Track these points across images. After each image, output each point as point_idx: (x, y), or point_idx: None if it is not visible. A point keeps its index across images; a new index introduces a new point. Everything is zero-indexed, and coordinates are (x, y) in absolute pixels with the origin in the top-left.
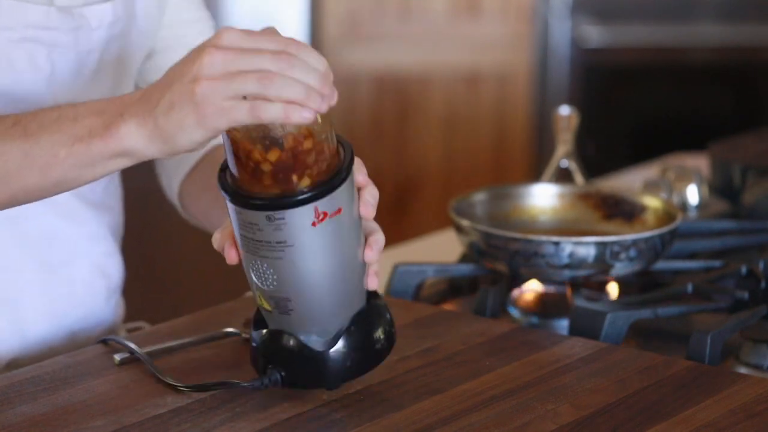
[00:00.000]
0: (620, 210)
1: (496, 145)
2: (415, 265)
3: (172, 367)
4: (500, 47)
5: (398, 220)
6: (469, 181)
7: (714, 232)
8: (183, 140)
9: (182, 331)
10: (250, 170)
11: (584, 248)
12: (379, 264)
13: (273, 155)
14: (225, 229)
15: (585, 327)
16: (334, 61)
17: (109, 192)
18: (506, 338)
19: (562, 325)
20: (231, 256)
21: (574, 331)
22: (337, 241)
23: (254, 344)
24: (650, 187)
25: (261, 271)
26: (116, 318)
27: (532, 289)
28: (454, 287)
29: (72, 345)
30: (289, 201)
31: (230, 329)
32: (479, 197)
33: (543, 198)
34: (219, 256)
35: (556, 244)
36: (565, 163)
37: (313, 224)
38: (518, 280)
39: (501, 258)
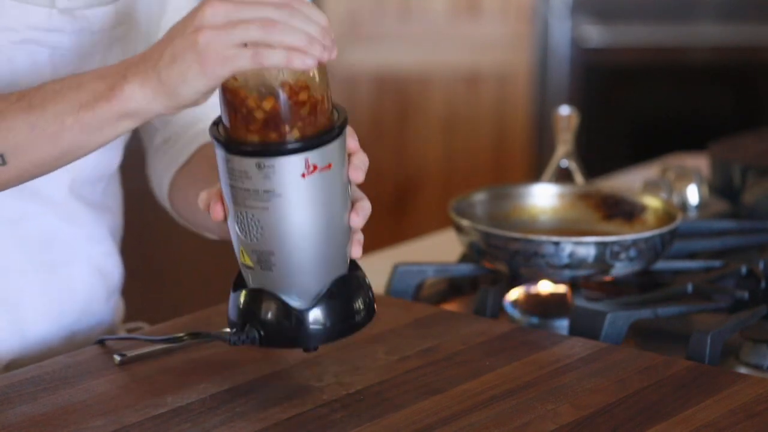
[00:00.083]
0: (620, 210)
1: (496, 145)
2: (415, 265)
3: (172, 366)
4: (500, 47)
5: (398, 220)
6: (469, 181)
7: (714, 232)
8: (186, 92)
9: (182, 332)
10: (242, 117)
11: (584, 248)
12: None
13: (268, 103)
14: (212, 188)
15: (585, 327)
16: (334, 61)
17: (108, 193)
18: (506, 338)
19: (562, 325)
20: (216, 212)
21: (574, 331)
22: (324, 196)
23: (232, 306)
24: (650, 187)
25: (246, 222)
26: (116, 318)
27: (532, 289)
28: (454, 287)
29: (72, 345)
30: (280, 148)
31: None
32: (479, 197)
33: (543, 198)
34: (218, 257)
35: (556, 244)
36: (565, 163)
37: (303, 176)
38: (518, 280)
39: (501, 258)
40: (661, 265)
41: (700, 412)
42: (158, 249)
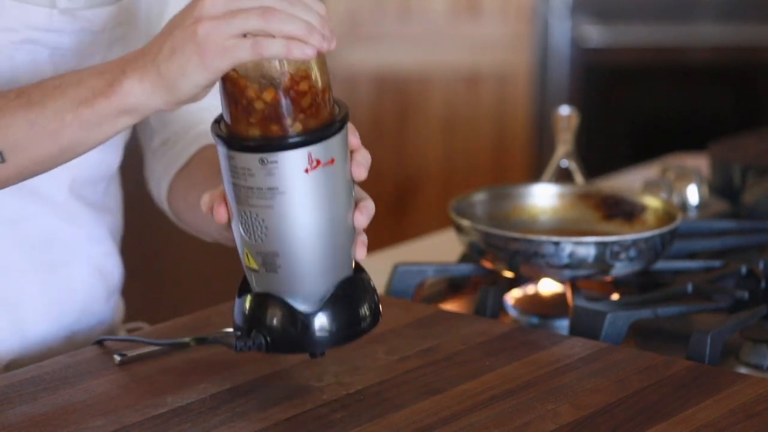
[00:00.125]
0: (620, 210)
1: (496, 145)
2: (415, 265)
3: (172, 366)
4: (500, 47)
5: (398, 220)
6: (469, 181)
7: (714, 232)
8: (186, 86)
9: (182, 332)
10: (243, 109)
11: (584, 248)
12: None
13: (268, 94)
14: (215, 190)
15: (585, 327)
16: (334, 61)
17: (108, 193)
18: (506, 338)
19: (562, 325)
20: (220, 214)
21: (574, 331)
22: (328, 193)
23: (237, 311)
24: (650, 187)
25: (250, 222)
26: (116, 318)
27: (532, 289)
28: (454, 287)
29: (72, 345)
30: (283, 143)
31: (228, 330)
32: (479, 197)
33: (543, 198)
34: (218, 257)
35: (556, 244)
36: (565, 163)
37: (306, 171)
38: (518, 280)
39: (501, 258)
40: (661, 265)
41: (700, 412)
42: (158, 249)
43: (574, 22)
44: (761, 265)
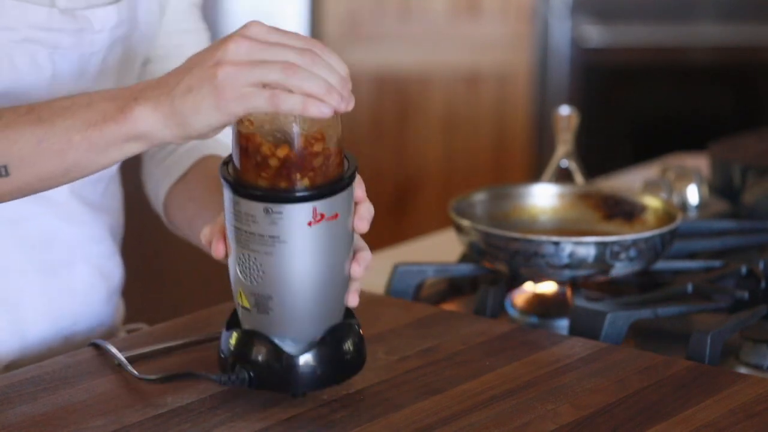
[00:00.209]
0: (620, 210)
1: (496, 145)
2: (415, 265)
3: (171, 366)
4: (500, 47)
5: (398, 220)
6: (469, 181)
7: (714, 232)
8: (198, 124)
9: (182, 332)
10: (255, 163)
11: (584, 248)
12: (362, 282)
13: (282, 151)
14: (215, 224)
15: (585, 327)
16: None
17: (109, 193)
18: (506, 338)
19: (562, 325)
20: (218, 250)
21: (574, 331)
22: (328, 245)
23: (224, 344)
24: (650, 187)
25: (248, 265)
26: (116, 319)
27: (532, 289)
28: (454, 287)
29: (72, 346)
30: (290, 195)
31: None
32: (479, 197)
33: (543, 198)
34: None
35: (556, 244)
36: (565, 163)
37: (309, 224)
38: (518, 280)
39: (501, 258)
40: (661, 265)
41: (700, 412)
42: (158, 249)
43: (574, 22)
44: (761, 265)
